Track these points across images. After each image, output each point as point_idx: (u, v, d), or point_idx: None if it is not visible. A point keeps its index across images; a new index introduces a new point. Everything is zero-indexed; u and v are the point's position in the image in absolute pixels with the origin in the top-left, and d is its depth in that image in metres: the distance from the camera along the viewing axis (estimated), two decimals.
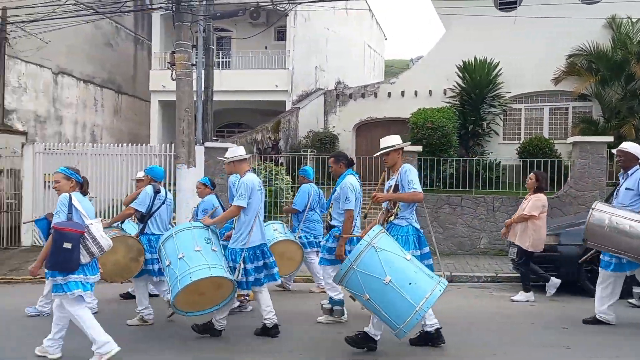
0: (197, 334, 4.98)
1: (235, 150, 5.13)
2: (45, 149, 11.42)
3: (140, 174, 6.56)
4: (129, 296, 6.66)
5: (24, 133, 13.06)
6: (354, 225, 5.23)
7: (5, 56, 12.25)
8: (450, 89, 14.69)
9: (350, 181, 5.23)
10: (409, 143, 4.87)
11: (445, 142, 12.28)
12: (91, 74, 16.14)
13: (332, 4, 15.73)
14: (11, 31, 12.18)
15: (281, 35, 17.86)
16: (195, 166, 9.13)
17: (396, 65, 30.67)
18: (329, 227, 5.45)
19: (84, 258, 4.27)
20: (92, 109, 16.29)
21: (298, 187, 7.30)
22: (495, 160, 12.63)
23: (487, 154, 13.64)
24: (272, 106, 17.07)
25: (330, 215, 5.47)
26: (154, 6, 11.21)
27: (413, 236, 4.46)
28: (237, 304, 5.79)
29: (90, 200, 11.46)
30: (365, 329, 4.44)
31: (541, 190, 6.52)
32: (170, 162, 11.11)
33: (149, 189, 5.61)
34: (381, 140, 4.76)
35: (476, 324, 5.52)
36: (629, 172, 5.25)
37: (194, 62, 9.31)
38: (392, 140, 4.67)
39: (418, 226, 4.53)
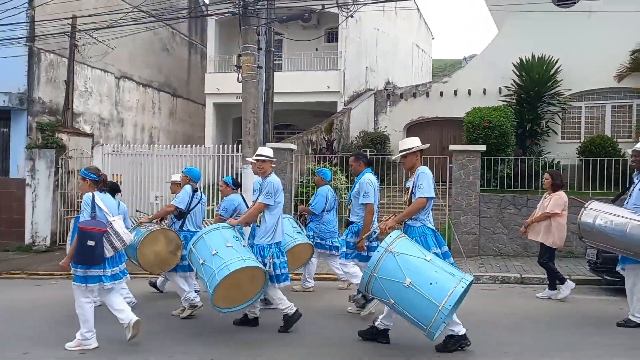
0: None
1: (265, 150, 5.30)
2: (113, 150, 11.93)
3: (176, 177, 6.82)
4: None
5: (91, 135, 13.68)
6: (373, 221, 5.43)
7: (74, 62, 12.85)
8: (506, 87, 14.39)
9: (369, 178, 5.48)
10: (428, 145, 4.89)
11: (503, 142, 12.04)
12: (149, 78, 16.72)
13: (383, 5, 15.73)
14: (80, 38, 12.78)
15: (331, 37, 17.98)
16: None
17: (436, 65, 30.19)
18: (348, 223, 5.67)
19: (108, 252, 4.63)
20: (150, 112, 16.87)
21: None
22: (554, 159, 12.30)
23: (545, 154, 13.31)
24: (322, 107, 17.20)
25: (349, 211, 5.66)
26: (220, 11, 11.49)
27: (430, 235, 4.51)
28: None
29: (156, 200, 11.80)
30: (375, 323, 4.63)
31: (559, 188, 6.62)
32: (223, 163, 11.52)
33: (188, 188, 5.86)
34: (399, 142, 4.86)
35: (567, 323, 5.44)
36: None
37: (260, 65, 9.51)
38: (409, 143, 4.72)
39: (432, 226, 4.59)
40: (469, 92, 15.55)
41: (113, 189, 6.08)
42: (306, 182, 11.49)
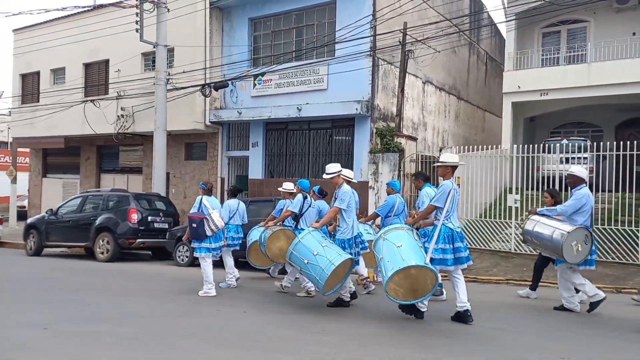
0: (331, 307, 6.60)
1: (331, 168, 6.66)
2: (456, 154, 11.98)
3: (290, 186, 8.26)
4: (284, 272, 8.41)
5: (415, 139, 14.09)
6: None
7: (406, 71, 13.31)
8: None
9: (425, 191, 6.93)
10: (462, 164, 6.16)
11: None
12: (442, 81, 16.75)
13: None
14: (412, 44, 13.22)
15: None
16: None
17: None
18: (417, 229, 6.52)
19: (208, 232, 7.29)
20: (442, 115, 16.89)
21: None
22: None
23: None
24: (634, 100, 15.08)
25: None
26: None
27: (444, 233, 5.68)
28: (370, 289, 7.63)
29: (515, 203, 11.36)
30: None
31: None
32: (520, 164, 11.87)
33: (299, 196, 7.61)
34: (443, 153, 5.78)
35: None
36: None
37: None
38: (444, 157, 6.07)
39: (450, 225, 5.70)
40: None
41: (236, 191, 8.72)
42: None
